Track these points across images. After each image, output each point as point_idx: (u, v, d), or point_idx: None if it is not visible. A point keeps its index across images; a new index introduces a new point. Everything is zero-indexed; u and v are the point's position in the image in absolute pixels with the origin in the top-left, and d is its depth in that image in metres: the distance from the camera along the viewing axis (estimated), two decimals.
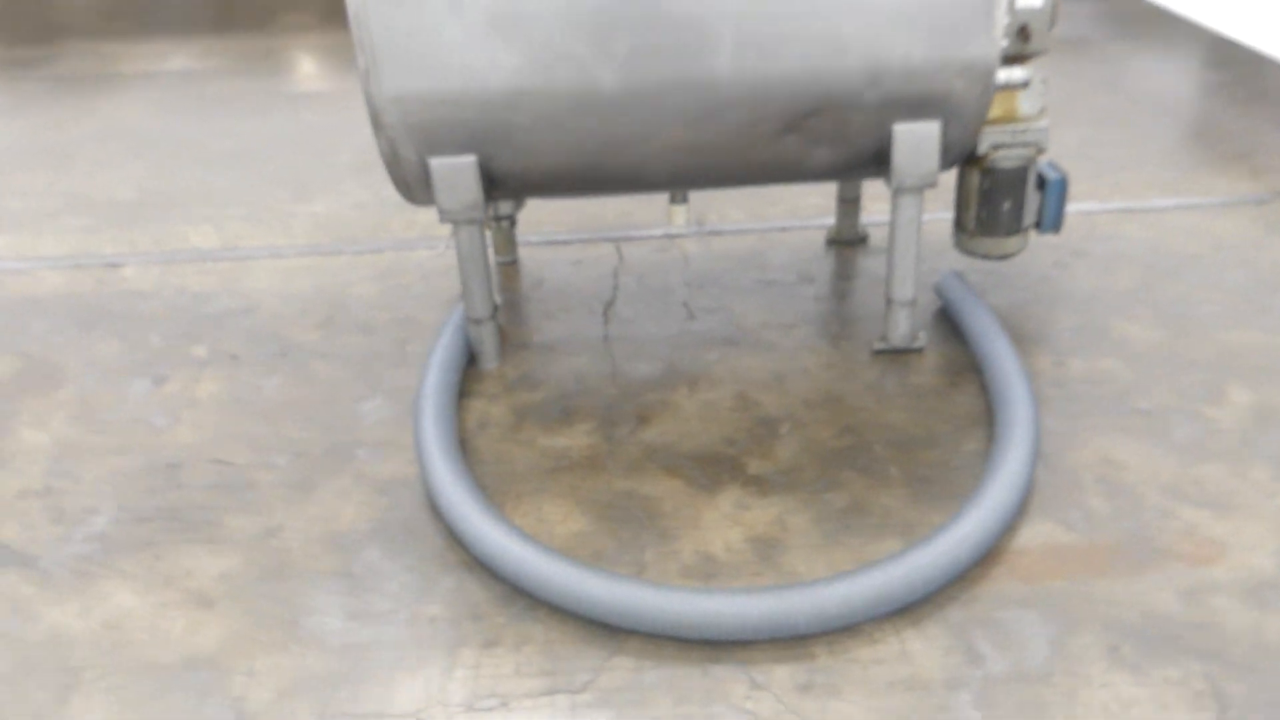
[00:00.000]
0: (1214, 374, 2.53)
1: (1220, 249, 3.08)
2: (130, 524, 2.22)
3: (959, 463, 2.28)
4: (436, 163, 2.38)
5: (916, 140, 2.38)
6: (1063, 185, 2.73)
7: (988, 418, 2.42)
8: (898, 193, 2.48)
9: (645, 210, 3.47)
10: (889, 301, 2.63)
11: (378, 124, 2.32)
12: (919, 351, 2.68)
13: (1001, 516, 2.00)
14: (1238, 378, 2.51)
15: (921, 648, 1.84)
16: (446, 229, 3.44)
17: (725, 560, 2.05)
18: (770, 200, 3.52)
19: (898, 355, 2.68)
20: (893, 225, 2.55)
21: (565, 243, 3.30)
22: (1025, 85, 2.38)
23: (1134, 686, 1.75)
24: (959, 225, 2.76)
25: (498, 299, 2.84)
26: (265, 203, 3.71)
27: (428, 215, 3.56)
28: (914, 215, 2.51)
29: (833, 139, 2.40)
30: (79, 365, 2.78)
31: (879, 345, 2.69)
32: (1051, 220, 2.76)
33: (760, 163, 2.45)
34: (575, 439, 2.42)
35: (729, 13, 2.21)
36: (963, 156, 2.54)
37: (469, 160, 2.39)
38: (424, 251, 3.32)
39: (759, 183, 2.54)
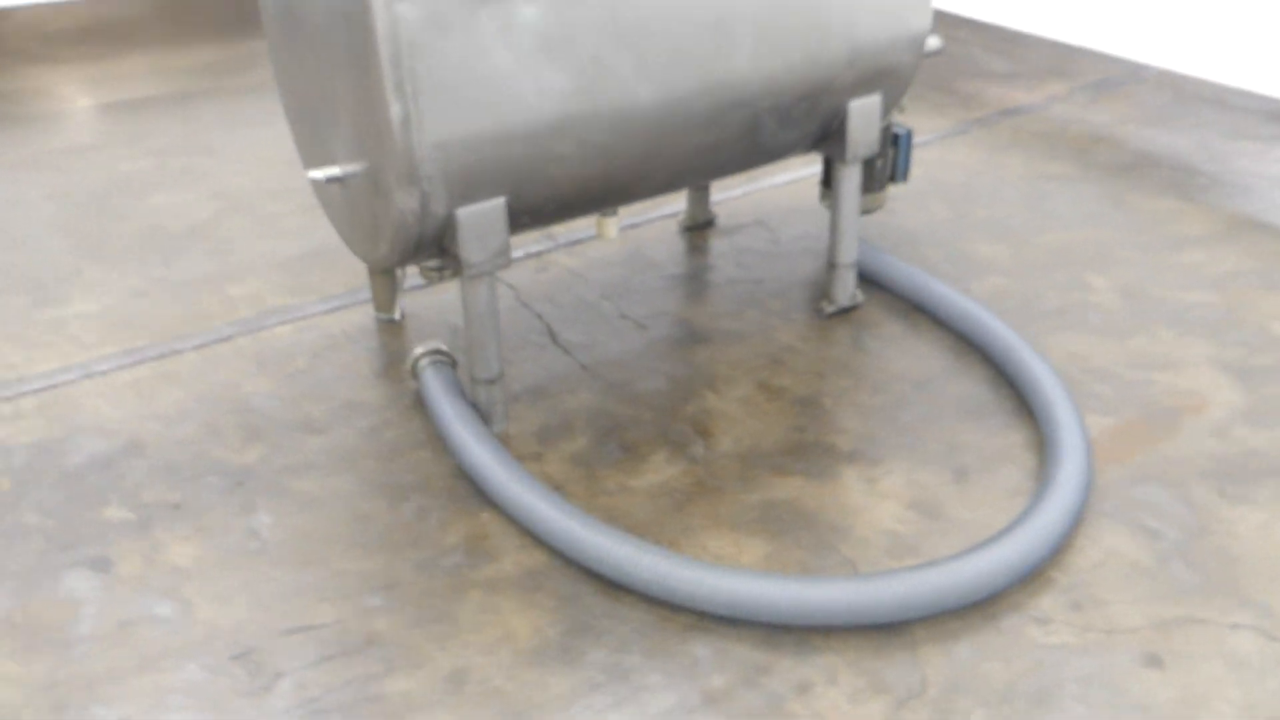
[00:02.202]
0: (1069, 271, 3.08)
1: (977, 173, 3.70)
2: None
3: (986, 381, 2.56)
4: (465, 212, 2.08)
5: (866, 114, 2.58)
6: (909, 138, 3.10)
7: (959, 349, 2.72)
8: (845, 164, 2.66)
9: None
10: (834, 266, 2.82)
11: (409, 179, 1.97)
12: (859, 306, 2.92)
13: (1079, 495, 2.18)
14: (1084, 269, 3.08)
15: (1115, 541, 2.10)
16: (284, 299, 2.94)
17: (909, 531, 2.13)
18: None
19: (846, 313, 2.89)
20: (837, 195, 2.73)
21: (436, 287, 3.01)
22: (939, 50, 2.68)
23: (1255, 511, 2.17)
24: (830, 186, 3.02)
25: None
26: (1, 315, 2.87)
27: (243, 288, 3.00)
28: (856, 184, 2.72)
29: (802, 121, 2.52)
30: None
31: (829, 308, 2.88)
32: (902, 171, 3.13)
33: (744, 153, 2.49)
34: (662, 471, 2.31)
35: (747, 12, 2.21)
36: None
37: (499, 204, 2.12)
38: (284, 327, 2.82)
39: (731, 173, 2.57)
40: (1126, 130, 4.02)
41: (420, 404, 2.52)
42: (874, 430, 2.43)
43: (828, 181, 3.00)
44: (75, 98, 4.50)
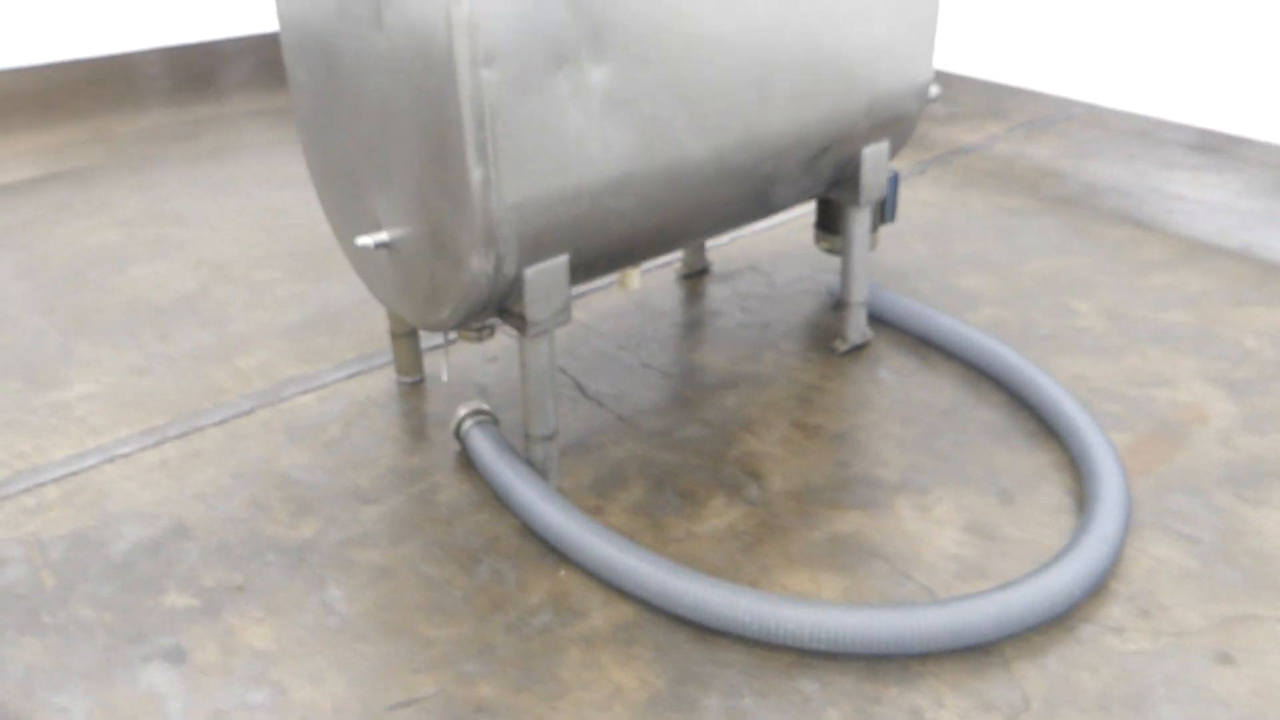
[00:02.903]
0: (1053, 298, 3.26)
1: (945, 210, 3.88)
2: None
3: (1004, 406, 2.69)
4: (532, 271, 2.11)
5: (878, 159, 2.70)
6: (897, 181, 3.25)
7: (971, 378, 2.85)
8: (859, 207, 2.78)
9: None
10: (848, 305, 2.93)
11: (486, 242, 1.99)
12: (869, 343, 3.02)
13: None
14: (1066, 295, 3.27)
15: (1160, 549, 2.22)
16: (298, 368, 2.88)
17: (972, 554, 2.22)
18: None
19: (858, 350, 2.99)
20: (849, 237, 2.84)
21: (440, 345, 3.01)
22: (938, 97, 2.83)
23: (1275, 511, 2.33)
24: (830, 229, 3.14)
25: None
26: None
27: (251, 359, 2.93)
28: (867, 226, 2.84)
29: (822, 168, 2.62)
30: (16, 688, 1.90)
31: (842, 346, 2.98)
32: (891, 212, 3.27)
33: (770, 201, 2.58)
34: (724, 514, 2.35)
35: (785, 68, 2.31)
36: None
37: (562, 261, 2.15)
38: (305, 397, 2.77)
39: (754, 220, 2.66)
40: (1068, 164, 4.28)
41: (468, 465, 2.51)
42: (914, 460, 2.53)
43: (823, 225, 3.12)
44: (20, 168, 4.33)
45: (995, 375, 2.79)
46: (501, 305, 2.20)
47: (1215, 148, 4.44)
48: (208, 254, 3.59)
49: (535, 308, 2.15)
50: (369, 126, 2.18)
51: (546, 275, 2.14)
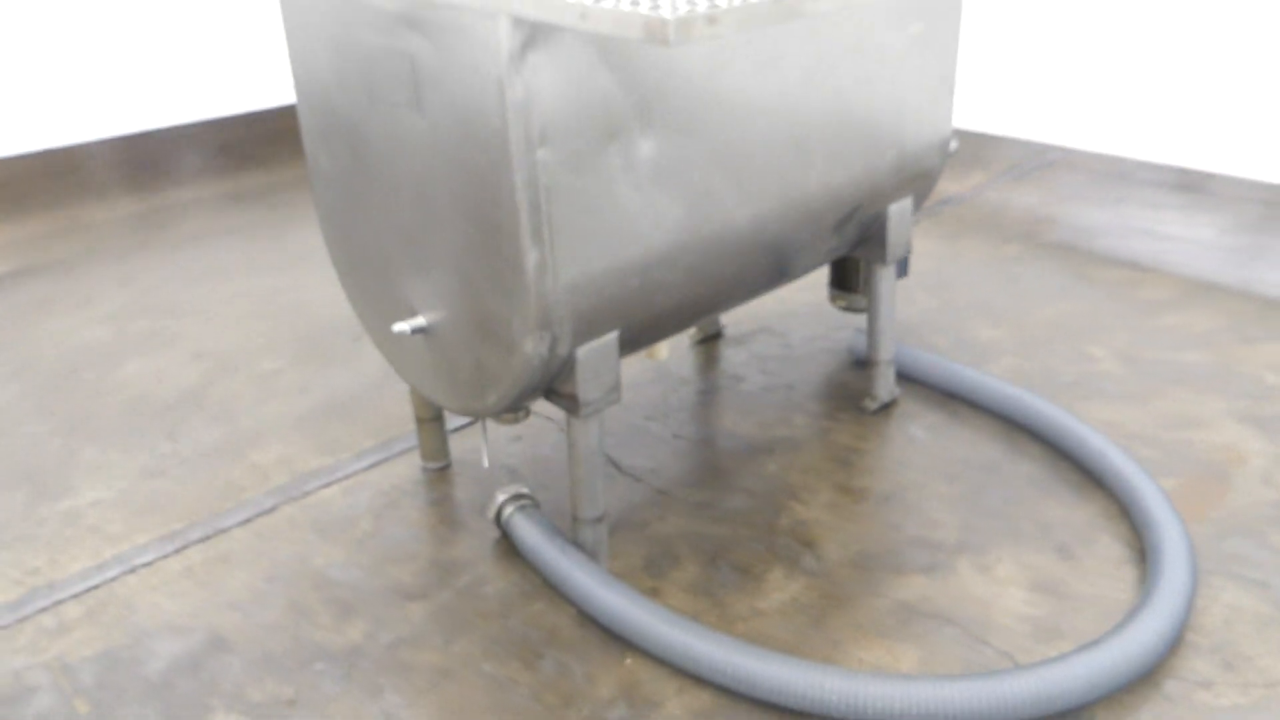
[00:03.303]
0: (1068, 343, 3.26)
1: (944, 260, 3.90)
2: None
3: (1042, 458, 2.66)
4: (584, 351, 2.05)
5: (903, 216, 2.70)
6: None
7: (1004, 431, 2.83)
8: (885, 264, 2.76)
9: None
10: (876, 362, 2.90)
11: (542, 324, 1.93)
12: (897, 400, 3.00)
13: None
14: (1080, 340, 3.28)
15: (1231, 597, 2.19)
16: (317, 461, 2.78)
17: (1043, 614, 2.17)
18: None
19: (887, 408, 2.96)
20: (875, 295, 2.82)
21: (464, 426, 2.92)
22: (956, 151, 2.84)
23: None
24: (845, 287, 3.13)
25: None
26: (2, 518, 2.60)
27: (267, 454, 2.82)
28: (893, 284, 2.82)
29: (850, 227, 2.61)
30: None
31: (872, 405, 2.94)
32: (904, 268, 3.27)
33: (801, 262, 2.55)
34: (784, 588, 2.28)
35: (819, 132, 2.30)
36: None
37: (612, 339, 2.10)
38: (328, 490, 2.66)
39: (786, 283, 2.62)
40: (1057, 209, 4.34)
41: (513, 553, 2.42)
42: (966, 519, 2.49)
43: (838, 284, 3.11)
44: None
45: (1031, 427, 2.77)
46: (550, 387, 2.14)
47: (1195, 186, 4.53)
48: (206, 345, 3.48)
49: (587, 387, 2.09)
50: (404, 211, 2.12)
51: (597, 354, 2.08)
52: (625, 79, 1.90)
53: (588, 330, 2.03)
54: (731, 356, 3.28)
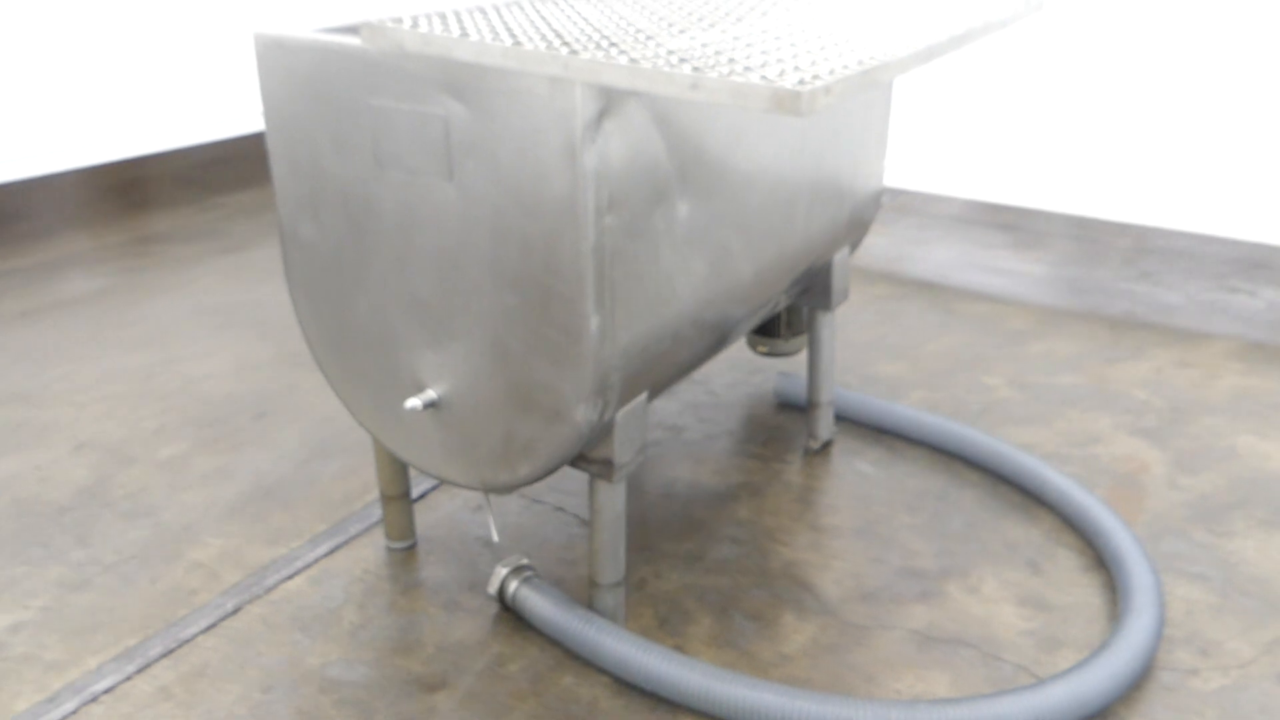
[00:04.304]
0: (964, 375, 3.53)
1: None
2: None
3: (983, 483, 2.86)
4: (623, 414, 2.02)
5: (843, 263, 2.85)
6: None
7: (942, 460, 3.02)
8: (829, 311, 2.89)
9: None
10: (817, 405, 3.02)
11: (597, 392, 1.89)
12: (834, 438, 3.13)
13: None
14: (973, 371, 3.55)
15: (1184, 592, 2.45)
16: (267, 552, 2.55)
17: (1040, 626, 2.34)
18: None
19: (827, 446, 3.08)
20: (817, 341, 2.95)
21: (420, 498, 2.79)
22: (883, 203, 3.02)
23: (1244, 539, 2.63)
24: (767, 333, 3.25)
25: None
26: None
27: (206, 550, 2.57)
28: (834, 329, 2.96)
29: (804, 277, 2.72)
30: None
31: (815, 444, 3.06)
32: None
33: (759, 316, 2.63)
34: (802, 630, 2.32)
35: (803, 188, 2.39)
36: None
37: (643, 399, 2.08)
38: (293, 582, 2.46)
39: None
40: (906, 250, 4.69)
41: (523, 627, 2.33)
42: (939, 545, 2.64)
43: (761, 330, 3.23)
44: None
45: (969, 456, 2.97)
46: (579, 452, 2.10)
47: (1014, 224, 5.04)
48: (85, 435, 3.12)
49: (623, 450, 2.07)
50: (418, 282, 2.03)
51: (633, 416, 2.07)
52: (671, 145, 1.92)
53: (628, 393, 2.02)
54: (663, 407, 3.32)
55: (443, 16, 1.93)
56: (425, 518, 2.74)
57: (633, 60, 1.60)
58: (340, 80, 1.98)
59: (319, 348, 2.27)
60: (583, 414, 1.93)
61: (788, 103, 1.48)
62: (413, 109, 1.90)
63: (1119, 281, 4.36)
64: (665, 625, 2.36)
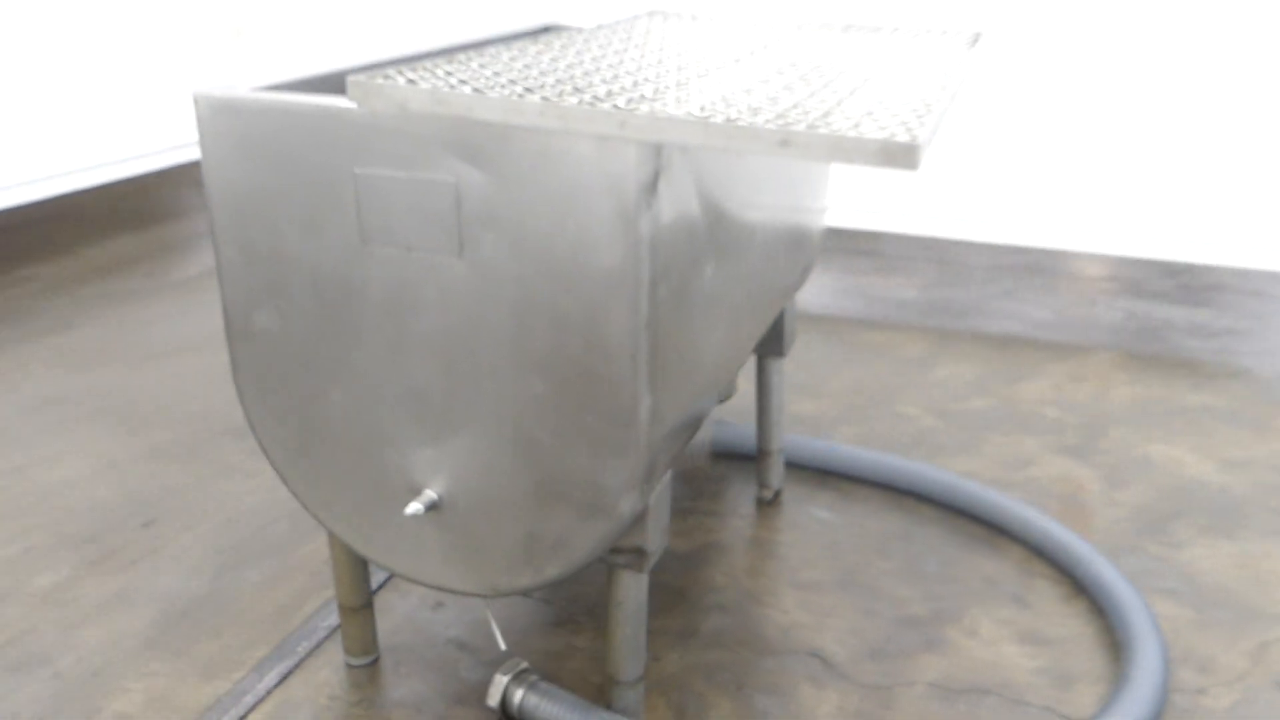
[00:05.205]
0: (879, 407, 3.53)
1: None
2: None
3: (940, 519, 2.85)
4: (655, 497, 1.84)
5: (791, 309, 2.77)
6: None
7: (893, 498, 2.99)
8: (780, 357, 2.80)
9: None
10: (767, 453, 2.92)
11: (646, 478, 1.70)
12: (781, 488, 3.04)
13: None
14: (887, 402, 3.56)
15: (1161, 609, 2.50)
16: (204, 689, 2.18)
17: (1046, 663, 2.33)
18: None
19: (778, 494, 2.99)
20: (767, 388, 2.85)
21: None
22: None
23: (1191, 548, 2.74)
24: None
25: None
26: None
27: (131, 697, 2.17)
28: (783, 375, 2.87)
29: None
30: None
31: (766, 495, 2.96)
32: None
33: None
34: (828, 699, 2.21)
35: (780, 240, 2.29)
36: None
37: (669, 479, 1.90)
38: (254, 716, 2.10)
39: None
40: None
41: None
42: (923, 589, 2.60)
43: None
44: None
45: (925, 494, 2.96)
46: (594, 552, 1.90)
47: (872, 250, 5.17)
48: None
49: (654, 537, 1.89)
50: (414, 368, 1.78)
51: (663, 498, 1.89)
52: (703, 202, 1.77)
53: (659, 474, 1.85)
54: None
55: (429, 67, 1.71)
56: (381, 624, 2.44)
57: (701, 114, 1.45)
58: (314, 147, 1.71)
59: (279, 452, 1.96)
60: (627, 505, 1.74)
61: (900, 156, 1.37)
62: (412, 177, 1.66)
63: (988, 301, 4.55)
64: (684, 713, 2.19)
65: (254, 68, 5.65)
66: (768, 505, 2.97)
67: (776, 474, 2.98)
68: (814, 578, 2.65)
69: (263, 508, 2.91)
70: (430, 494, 1.86)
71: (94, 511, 2.88)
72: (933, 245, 5.24)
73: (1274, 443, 3.34)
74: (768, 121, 1.45)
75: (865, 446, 3.24)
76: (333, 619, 2.44)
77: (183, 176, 6.51)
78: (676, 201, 1.67)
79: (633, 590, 1.97)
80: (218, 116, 1.76)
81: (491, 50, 1.96)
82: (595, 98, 1.55)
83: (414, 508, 1.83)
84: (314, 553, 2.71)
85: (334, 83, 2.04)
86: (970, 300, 4.55)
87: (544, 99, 1.51)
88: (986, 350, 4.01)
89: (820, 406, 3.54)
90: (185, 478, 3.07)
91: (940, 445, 3.29)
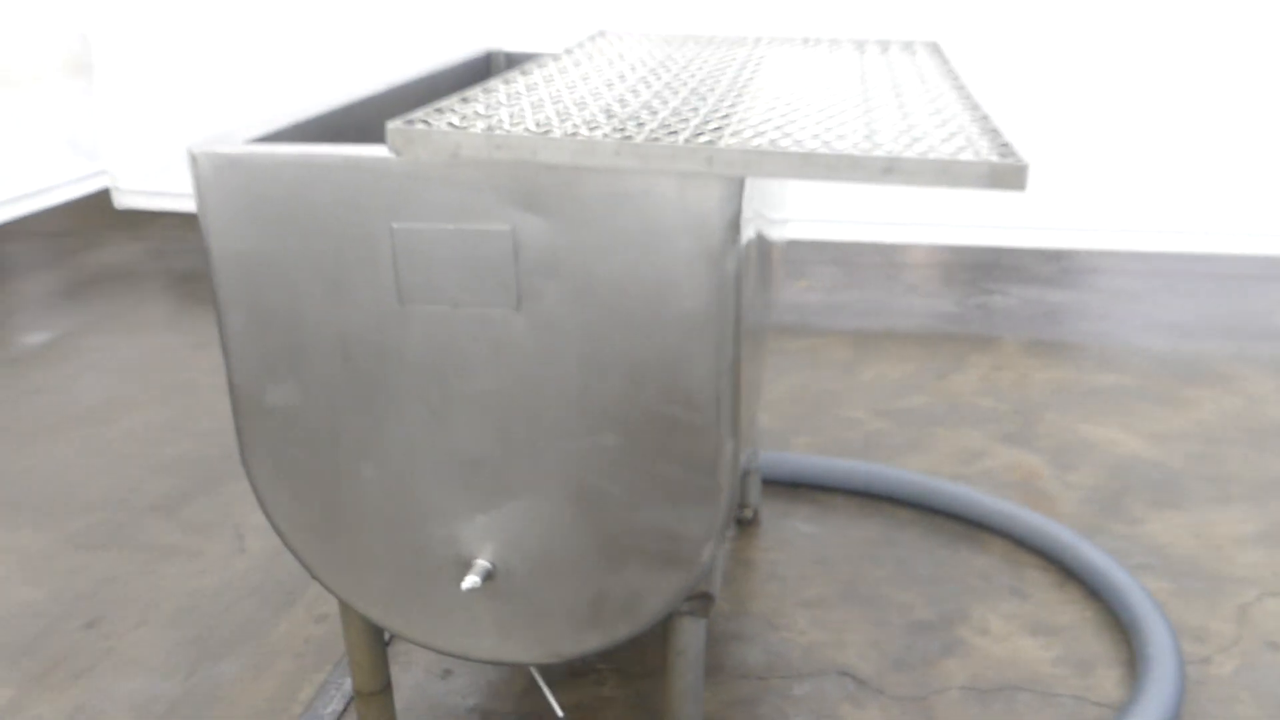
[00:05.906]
0: (827, 413, 3.55)
1: None
2: None
3: (917, 520, 2.88)
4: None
5: None
6: None
7: (869, 504, 3.01)
8: None
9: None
10: (746, 472, 2.88)
11: (726, 525, 1.62)
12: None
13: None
14: (833, 408, 3.59)
15: (1148, 584, 2.59)
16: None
17: (1065, 653, 2.38)
18: None
19: (755, 514, 2.96)
20: None
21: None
22: None
23: (1157, 524, 2.87)
24: None
25: None
26: None
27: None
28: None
29: None
30: None
31: (748, 514, 2.92)
32: None
33: None
34: (866, 716, 2.18)
35: (773, 244, 2.25)
36: None
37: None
38: None
39: None
40: None
41: None
42: (925, 592, 2.61)
43: None
44: None
45: (899, 496, 2.99)
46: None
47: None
48: None
49: (717, 580, 1.82)
50: (463, 432, 1.65)
51: (726, 540, 1.82)
52: (758, 231, 1.71)
53: (732, 519, 1.78)
54: None
55: (440, 109, 1.59)
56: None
57: (801, 147, 1.39)
58: (341, 203, 1.56)
59: (300, 537, 1.78)
60: (708, 554, 1.67)
61: (1009, 178, 1.36)
62: (460, 228, 1.53)
63: (894, 298, 4.67)
64: None
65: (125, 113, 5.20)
66: (749, 524, 2.94)
67: (754, 492, 2.96)
68: (817, 594, 2.63)
69: (220, 588, 2.65)
70: (483, 564, 1.73)
71: (22, 618, 2.56)
72: (826, 247, 5.34)
73: (1189, 413, 3.56)
74: (856, 147, 1.41)
75: (829, 456, 3.26)
76: (336, 704, 2.25)
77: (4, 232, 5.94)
78: (748, 235, 1.61)
79: (695, 637, 1.89)
80: (220, 176, 1.58)
81: (489, 84, 1.84)
82: (665, 131, 1.47)
83: (470, 581, 1.69)
84: (292, 631, 2.50)
85: (321, 129, 1.87)
86: (878, 300, 4.66)
87: (623, 137, 1.42)
88: (908, 348, 4.11)
89: (768, 417, 3.54)
90: (119, 566, 2.77)
91: (894, 445, 3.34)
